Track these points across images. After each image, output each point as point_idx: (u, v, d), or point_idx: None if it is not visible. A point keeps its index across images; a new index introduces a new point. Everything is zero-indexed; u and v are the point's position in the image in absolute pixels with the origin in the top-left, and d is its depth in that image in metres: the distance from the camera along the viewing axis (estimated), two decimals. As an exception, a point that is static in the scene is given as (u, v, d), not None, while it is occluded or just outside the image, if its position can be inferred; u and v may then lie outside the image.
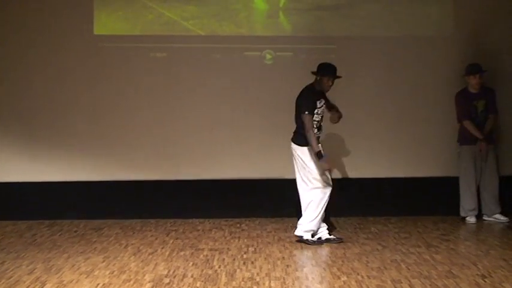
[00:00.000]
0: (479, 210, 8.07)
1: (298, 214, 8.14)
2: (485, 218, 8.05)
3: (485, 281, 5.56)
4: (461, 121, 7.99)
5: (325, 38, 8.40)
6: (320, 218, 6.92)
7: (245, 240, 7.08)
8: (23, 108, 8.26)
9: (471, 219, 7.99)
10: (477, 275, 5.75)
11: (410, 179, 8.38)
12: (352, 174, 8.36)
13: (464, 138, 8.00)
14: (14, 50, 8.22)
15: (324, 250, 6.66)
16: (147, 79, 8.30)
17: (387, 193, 8.35)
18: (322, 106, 6.90)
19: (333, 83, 6.87)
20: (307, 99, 6.83)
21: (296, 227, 7.00)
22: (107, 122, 8.28)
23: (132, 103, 8.29)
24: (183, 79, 8.27)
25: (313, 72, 6.90)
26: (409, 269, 5.93)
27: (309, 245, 6.83)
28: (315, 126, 6.84)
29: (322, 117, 6.94)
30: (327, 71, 6.86)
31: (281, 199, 8.18)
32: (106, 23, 8.34)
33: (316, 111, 6.85)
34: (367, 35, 8.39)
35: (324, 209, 6.92)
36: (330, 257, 6.38)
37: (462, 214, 8.04)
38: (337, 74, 6.89)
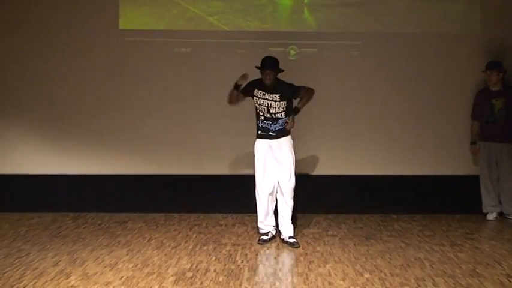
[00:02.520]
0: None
1: (319, 210, 8.17)
2: (507, 216, 8.00)
3: (509, 281, 5.53)
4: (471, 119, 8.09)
5: (350, 34, 8.36)
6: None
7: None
8: (49, 101, 8.31)
9: (490, 216, 7.99)
10: (502, 274, 5.71)
11: (435, 176, 8.32)
12: (376, 171, 8.31)
13: (480, 135, 8.03)
14: (39, 44, 8.27)
15: (347, 247, 6.63)
16: (172, 74, 8.31)
17: (411, 191, 8.29)
18: (264, 97, 6.73)
19: (268, 76, 6.68)
20: (249, 82, 6.79)
21: (289, 230, 6.87)
22: (133, 116, 8.31)
23: (158, 97, 8.30)
24: (207, 74, 8.26)
25: (256, 67, 6.82)
26: (432, 267, 5.90)
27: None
28: (261, 113, 6.77)
29: (269, 109, 6.74)
30: (261, 64, 6.77)
31: (303, 195, 8.15)
32: (131, 18, 8.37)
33: (255, 100, 6.77)
34: (392, 32, 8.33)
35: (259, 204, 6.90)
36: (353, 254, 6.36)
37: (483, 210, 8.05)
38: (280, 68, 6.75)
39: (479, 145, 8.03)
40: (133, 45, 8.33)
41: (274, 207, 6.93)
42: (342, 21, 8.35)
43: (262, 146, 6.83)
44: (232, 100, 6.84)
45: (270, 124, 6.78)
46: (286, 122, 6.75)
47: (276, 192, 6.88)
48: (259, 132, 6.87)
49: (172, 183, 8.26)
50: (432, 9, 8.34)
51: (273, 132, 6.79)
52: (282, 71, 6.80)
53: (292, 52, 8.39)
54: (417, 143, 8.34)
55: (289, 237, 6.77)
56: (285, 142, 6.81)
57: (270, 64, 6.74)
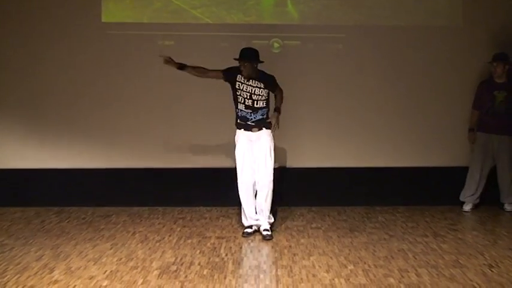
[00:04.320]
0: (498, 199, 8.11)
1: (303, 203, 8.21)
2: (504, 207, 8.08)
3: (492, 271, 5.59)
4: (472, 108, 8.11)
5: (333, 27, 8.38)
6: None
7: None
8: (29, 95, 8.27)
9: (466, 207, 8.08)
10: (484, 264, 5.78)
11: (419, 168, 8.38)
12: (359, 163, 8.35)
13: (479, 125, 8.07)
14: (20, 38, 8.22)
15: (331, 239, 6.67)
16: (155, 67, 8.23)
17: (395, 183, 8.34)
18: (248, 83, 6.72)
19: (246, 67, 6.67)
20: (232, 66, 6.82)
21: (264, 222, 6.88)
22: (114, 110, 8.29)
23: (140, 91, 8.29)
24: (190, 67, 8.26)
25: (235, 59, 6.82)
26: (416, 258, 5.96)
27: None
28: (241, 100, 6.75)
29: (252, 95, 6.74)
30: (239, 55, 6.75)
31: (287, 187, 8.19)
32: (114, 11, 8.35)
33: (237, 85, 6.75)
34: (376, 24, 8.35)
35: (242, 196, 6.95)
36: (337, 246, 6.40)
37: (461, 198, 8.12)
38: (257, 59, 6.74)
39: (476, 135, 8.06)
40: (116, 38, 8.30)
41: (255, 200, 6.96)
42: (325, 14, 8.37)
43: (242, 140, 6.84)
44: (198, 75, 6.92)
45: (250, 113, 6.77)
46: (270, 123, 6.72)
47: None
48: (238, 121, 6.85)
49: (155, 176, 8.26)
50: (415, 2, 8.38)
51: (251, 122, 6.79)
52: (262, 62, 6.80)
53: (276, 45, 8.41)
54: (400, 135, 8.39)
55: (264, 230, 6.80)
56: (265, 135, 6.80)
57: (247, 55, 6.71)
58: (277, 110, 6.71)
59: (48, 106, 8.29)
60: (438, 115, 8.35)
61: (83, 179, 8.25)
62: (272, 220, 6.97)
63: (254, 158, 6.82)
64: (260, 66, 6.79)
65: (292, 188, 8.24)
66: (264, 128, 6.80)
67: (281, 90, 6.84)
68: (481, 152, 8.00)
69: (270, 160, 6.81)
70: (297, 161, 8.27)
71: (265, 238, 6.69)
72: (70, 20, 8.22)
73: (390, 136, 8.40)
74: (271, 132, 6.76)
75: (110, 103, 8.29)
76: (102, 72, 8.29)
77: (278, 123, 6.64)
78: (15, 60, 8.26)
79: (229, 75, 6.80)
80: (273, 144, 6.83)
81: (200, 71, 6.91)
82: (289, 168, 8.25)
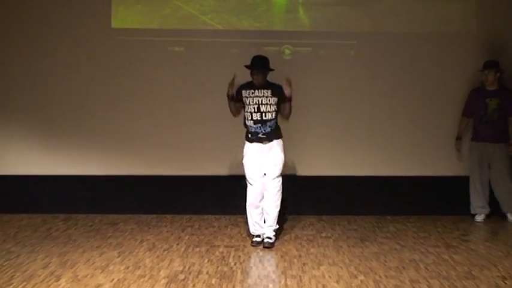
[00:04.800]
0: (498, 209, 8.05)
1: (313, 211, 8.17)
2: (508, 217, 8.02)
3: (505, 283, 5.53)
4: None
5: (345, 33, 8.35)
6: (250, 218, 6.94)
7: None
8: (38, 100, 8.28)
9: (479, 218, 8.02)
10: (497, 276, 5.71)
11: (431, 177, 8.32)
12: (370, 172, 8.30)
13: (473, 135, 8.08)
14: (31, 44, 8.24)
15: (341, 249, 6.62)
16: (165, 73, 8.29)
17: (406, 192, 8.29)
18: (254, 95, 6.70)
19: (257, 76, 6.67)
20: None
21: (268, 230, 6.84)
22: (124, 116, 8.29)
23: (149, 97, 8.28)
24: (200, 73, 8.25)
25: (246, 66, 6.79)
26: (427, 269, 5.90)
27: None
28: (250, 118, 6.73)
29: (260, 107, 6.70)
30: (250, 63, 6.74)
31: (297, 196, 8.15)
32: (124, 17, 8.35)
33: (245, 100, 6.74)
34: (388, 31, 8.32)
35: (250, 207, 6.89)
36: (347, 256, 6.35)
37: (471, 211, 8.08)
38: (268, 67, 6.73)
39: (471, 145, 8.06)
40: (126, 44, 8.31)
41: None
42: (337, 21, 8.34)
43: (252, 151, 6.81)
44: (233, 112, 6.87)
45: (260, 127, 6.74)
46: (280, 131, 6.76)
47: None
48: (249, 136, 6.84)
49: (164, 184, 8.24)
50: (428, 8, 8.34)
51: (262, 135, 6.76)
52: (272, 70, 6.77)
53: (287, 51, 8.38)
54: (413, 143, 8.34)
55: (266, 237, 6.76)
56: (276, 146, 6.78)
57: (259, 64, 6.70)
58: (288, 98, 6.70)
59: (54, 111, 8.28)
60: (451, 123, 8.28)
61: (91, 185, 8.24)
62: (277, 227, 6.91)
63: (264, 167, 6.78)
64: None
65: (302, 196, 8.20)
66: (274, 140, 6.77)
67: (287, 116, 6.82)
68: (477, 162, 7.99)
69: (280, 169, 6.78)
70: (307, 169, 8.23)
71: (265, 246, 6.67)
72: (79, 25, 8.24)
73: (402, 144, 8.34)
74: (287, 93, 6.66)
75: (118, 109, 8.29)
76: (111, 78, 8.28)
77: (290, 87, 6.61)
78: (20, 65, 8.27)
79: (238, 96, 6.80)
80: (283, 154, 6.81)
81: (236, 108, 6.86)
82: (299, 176, 8.21)
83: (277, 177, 6.77)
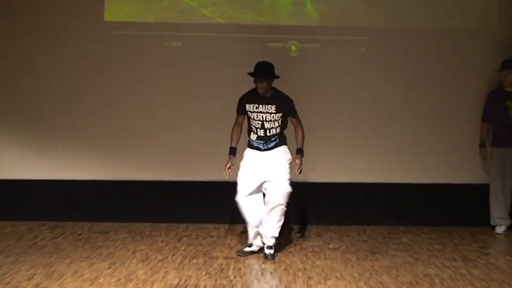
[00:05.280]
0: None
1: (320, 221, 8.16)
2: None
3: (527, 300, 5.52)
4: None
5: (356, 29, 8.36)
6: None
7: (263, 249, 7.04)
8: (24, 100, 8.28)
9: (499, 229, 8.02)
10: (519, 293, 5.71)
11: (446, 185, 8.32)
12: (382, 178, 8.31)
13: (493, 140, 8.07)
14: (17, 38, 8.24)
15: (350, 262, 6.61)
16: (161, 70, 8.30)
17: (420, 200, 8.27)
18: (258, 111, 6.70)
19: (261, 84, 6.62)
20: (239, 100, 6.81)
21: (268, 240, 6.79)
22: (116, 117, 8.29)
23: (145, 96, 8.29)
24: (200, 70, 8.26)
25: (249, 74, 6.73)
26: (443, 285, 5.89)
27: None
28: (254, 132, 6.74)
29: (264, 123, 6.69)
30: (254, 70, 6.68)
31: (303, 204, 8.14)
32: (118, 9, 8.36)
33: (248, 115, 6.74)
34: (402, 27, 8.33)
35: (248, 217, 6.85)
36: (356, 270, 6.34)
37: (492, 223, 8.07)
38: (273, 74, 6.67)
39: (491, 151, 8.06)
40: (119, 39, 8.31)
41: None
42: (347, 15, 8.34)
43: (252, 154, 6.80)
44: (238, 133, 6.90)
45: (263, 143, 6.76)
46: (285, 139, 6.79)
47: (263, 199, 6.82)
48: (250, 146, 6.86)
49: (159, 190, 8.25)
50: (446, 2, 8.34)
51: (264, 150, 6.78)
52: (278, 77, 6.73)
53: (293, 48, 8.39)
54: (428, 148, 8.34)
55: (267, 247, 6.72)
56: (279, 151, 6.78)
57: (263, 71, 6.65)
58: (300, 152, 6.76)
59: (42, 112, 8.29)
60: (469, 127, 8.28)
61: (80, 191, 8.24)
62: (277, 235, 6.84)
63: (264, 171, 6.73)
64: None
65: (308, 204, 8.20)
66: (278, 147, 6.79)
67: (301, 127, 6.83)
68: (498, 169, 7.99)
69: (286, 172, 6.72)
70: (313, 175, 8.20)
71: (267, 257, 6.65)
72: (70, 19, 8.23)
73: (416, 149, 8.34)
74: (297, 170, 6.71)
75: (111, 110, 8.29)
76: (103, 76, 8.29)
77: (301, 166, 6.69)
78: (9, 63, 8.27)
79: (242, 110, 6.80)
80: (289, 155, 6.80)
81: (239, 129, 6.89)
82: (305, 183, 8.18)
83: (283, 182, 6.68)
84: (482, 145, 8.14)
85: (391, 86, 8.32)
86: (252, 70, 6.73)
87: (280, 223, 6.76)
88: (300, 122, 6.83)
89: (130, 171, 8.26)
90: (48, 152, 8.28)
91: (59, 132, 8.28)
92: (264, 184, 6.76)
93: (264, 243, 6.78)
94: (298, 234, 7.72)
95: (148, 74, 8.30)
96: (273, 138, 6.77)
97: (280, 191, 6.66)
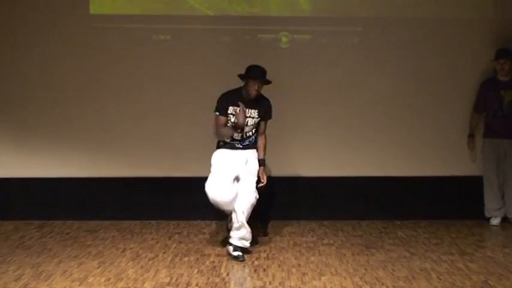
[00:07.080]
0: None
1: (314, 216, 8.19)
2: (511, 220, 8.09)
3: (525, 294, 5.56)
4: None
5: (349, 19, 8.37)
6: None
7: (256, 245, 7.07)
8: (8, 95, 8.26)
9: (494, 221, 8.08)
10: (517, 286, 5.75)
11: (443, 178, 8.35)
12: (376, 172, 8.33)
13: (485, 131, 8.12)
14: (2, 36, 8.21)
15: (345, 257, 6.64)
16: (149, 64, 8.29)
17: (416, 194, 8.31)
18: (248, 116, 6.64)
19: (259, 88, 6.56)
20: (220, 99, 6.67)
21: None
22: (103, 112, 8.28)
23: (132, 91, 8.28)
24: (189, 64, 8.25)
25: (240, 76, 6.64)
26: (440, 279, 5.93)
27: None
28: (238, 137, 6.68)
29: (244, 127, 6.62)
30: (253, 73, 6.55)
31: (296, 199, 8.17)
32: (103, 2, 8.34)
33: (229, 117, 6.63)
34: (396, 16, 8.34)
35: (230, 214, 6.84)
36: (351, 265, 6.37)
37: (486, 214, 8.12)
38: (268, 79, 6.61)
39: (483, 142, 8.11)
40: (105, 32, 8.30)
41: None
42: (339, 5, 8.35)
43: (225, 151, 6.75)
44: (223, 135, 6.73)
45: (238, 142, 6.73)
46: (262, 183, 6.74)
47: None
48: (221, 144, 6.80)
49: (149, 186, 8.26)
50: (440, -9, 8.37)
51: (239, 148, 6.73)
52: (270, 82, 6.67)
53: (284, 39, 8.39)
54: (422, 141, 8.37)
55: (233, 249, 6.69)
56: (253, 153, 6.77)
57: (263, 74, 6.57)
58: (263, 163, 6.77)
59: (27, 108, 8.27)
60: (464, 118, 8.31)
61: (67, 189, 8.25)
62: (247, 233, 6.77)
63: (240, 169, 6.69)
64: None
65: (301, 199, 8.22)
66: (251, 149, 6.79)
67: (265, 135, 6.81)
68: (492, 161, 8.04)
69: (255, 181, 6.73)
70: (306, 169, 8.24)
71: (237, 259, 6.60)
72: (54, 12, 8.21)
73: (410, 142, 8.37)
74: (260, 189, 6.71)
75: (98, 105, 8.28)
76: (88, 71, 8.27)
77: (266, 180, 6.72)
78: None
79: (225, 112, 6.64)
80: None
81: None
82: (297, 178, 8.23)
83: (253, 191, 6.68)
84: (471, 135, 8.20)
85: (384, 77, 8.33)
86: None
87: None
88: (266, 128, 6.82)
89: (118, 168, 8.26)
90: (35, 149, 8.27)
91: (47, 130, 8.28)
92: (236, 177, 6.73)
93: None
94: (292, 230, 7.73)
95: (134, 68, 8.27)
96: (248, 139, 6.75)
97: (247, 199, 6.65)
